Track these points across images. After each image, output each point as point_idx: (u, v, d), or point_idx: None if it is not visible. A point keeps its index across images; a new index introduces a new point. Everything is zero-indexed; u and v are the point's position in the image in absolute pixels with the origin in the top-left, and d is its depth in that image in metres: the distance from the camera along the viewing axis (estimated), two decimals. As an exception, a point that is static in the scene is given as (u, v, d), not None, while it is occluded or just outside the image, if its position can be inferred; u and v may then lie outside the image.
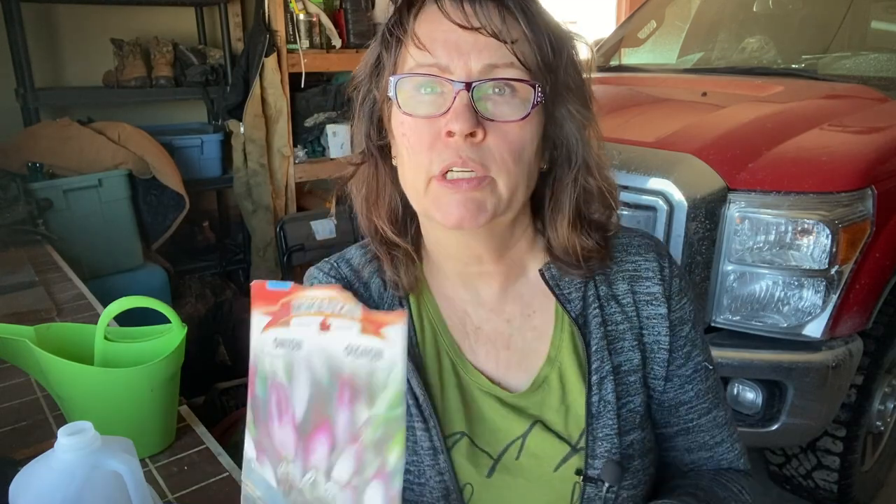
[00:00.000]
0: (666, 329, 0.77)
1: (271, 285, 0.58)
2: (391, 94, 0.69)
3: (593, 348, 0.75)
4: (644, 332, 0.77)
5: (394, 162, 0.75)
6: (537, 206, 0.77)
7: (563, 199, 0.74)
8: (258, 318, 0.58)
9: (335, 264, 0.82)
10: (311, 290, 0.57)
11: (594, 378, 0.74)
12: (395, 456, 0.52)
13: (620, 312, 0.77)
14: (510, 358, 0.78)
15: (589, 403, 0.74)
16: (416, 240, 0.80)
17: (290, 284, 0.58)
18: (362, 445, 0.53)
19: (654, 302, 0.77)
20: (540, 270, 0.78)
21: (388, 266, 0.77)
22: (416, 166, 0.68)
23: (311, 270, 0.83)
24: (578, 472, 0.74)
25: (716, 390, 0.82)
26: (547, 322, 0.78)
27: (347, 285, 0.79)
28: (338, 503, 0.54)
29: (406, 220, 0.78)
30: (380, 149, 0.76)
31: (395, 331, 0.53)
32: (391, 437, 0.52)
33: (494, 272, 0.77)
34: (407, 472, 0.74)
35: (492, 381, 0.77)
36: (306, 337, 0.56)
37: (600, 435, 0.73)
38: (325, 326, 0.55)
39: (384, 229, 0.77)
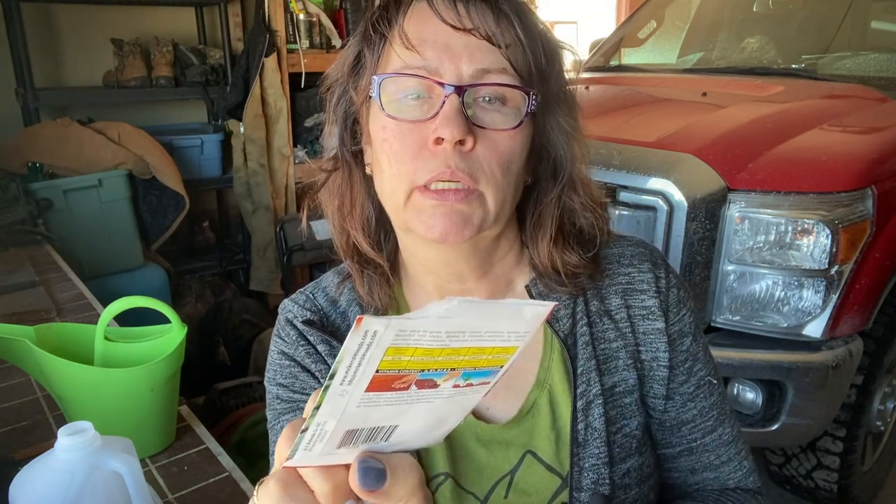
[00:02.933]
0: (665, 344, 0.72)
1: None
2: (374, 94, 0.64)
3: (580, 370, 0.69)
4: (641, 348, 0.72)
5: (367, 170, 0.70)
6: (522, 219, 0.73)
7: (545, 217, 0.70)
8: None
9: (310, 295, 0.76)
10: None
11: (580, 403, 0.69)
12: None
13: (614, 329, 0.72)
14: (497, 383, 0.74)
15: (574, 431, 0.69)
16: (393, 256, 0.74)
17: None
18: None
19: (650, 316, 0.72)
20: (526, 286, 0.73)
21: (359, 284, 0.72)
22: (398, 176, 0.63)
23: (286, 303, 0.76)
24: None
25: (721, 406, 0.76)
26: (536, 342, 0.72)
27: (324, 317, 0.74)
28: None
29: (380, 233, 0.73)
30: (353, 155, 0.71)
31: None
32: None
33: (476, 290, 0.72)
34: None
35: (477, 410, 0.69)
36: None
37: (586, 465, 0.68)
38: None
39: (361, 244, 0.71)
